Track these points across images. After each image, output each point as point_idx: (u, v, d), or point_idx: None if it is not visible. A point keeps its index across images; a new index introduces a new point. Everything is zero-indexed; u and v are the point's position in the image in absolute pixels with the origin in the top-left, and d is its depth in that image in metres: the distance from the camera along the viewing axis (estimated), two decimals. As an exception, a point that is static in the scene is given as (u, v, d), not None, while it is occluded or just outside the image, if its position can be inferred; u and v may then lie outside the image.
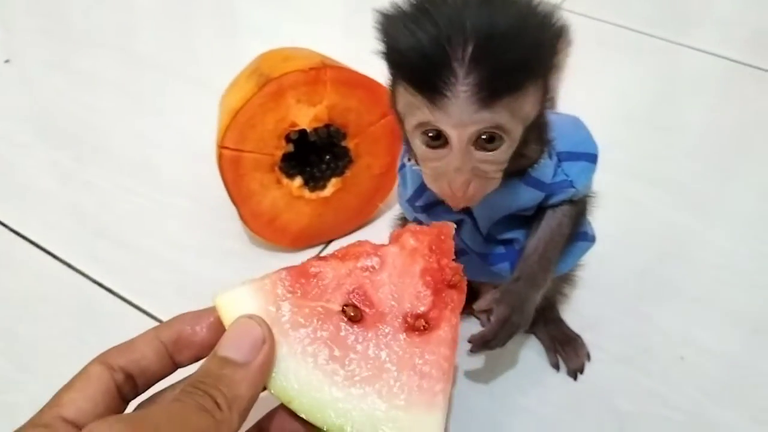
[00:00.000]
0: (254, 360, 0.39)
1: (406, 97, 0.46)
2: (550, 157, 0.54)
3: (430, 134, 0.46)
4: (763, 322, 0.71)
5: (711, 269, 0.77)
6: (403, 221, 0.66)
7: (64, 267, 0.75)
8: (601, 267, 0.71)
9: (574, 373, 0.66)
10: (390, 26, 0.45)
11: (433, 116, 0.44)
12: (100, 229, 0.80)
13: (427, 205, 0.58)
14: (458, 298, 0.45)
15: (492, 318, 0.54)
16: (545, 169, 0.54)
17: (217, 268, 0.76)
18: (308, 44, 0.77)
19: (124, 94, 1.02)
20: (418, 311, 0.43)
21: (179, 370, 0.43)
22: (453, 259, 0.46)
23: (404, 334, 0.42)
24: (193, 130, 0.92)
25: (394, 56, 0.46)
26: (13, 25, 1.19)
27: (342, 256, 0.45)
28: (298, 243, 0.77)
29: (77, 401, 0.38)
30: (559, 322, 0.69)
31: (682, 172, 0.90)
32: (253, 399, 0.38)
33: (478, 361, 0.67)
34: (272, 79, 0.69)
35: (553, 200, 0.56)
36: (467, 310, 0.49)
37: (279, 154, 0.72)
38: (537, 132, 0.52)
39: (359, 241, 0.46)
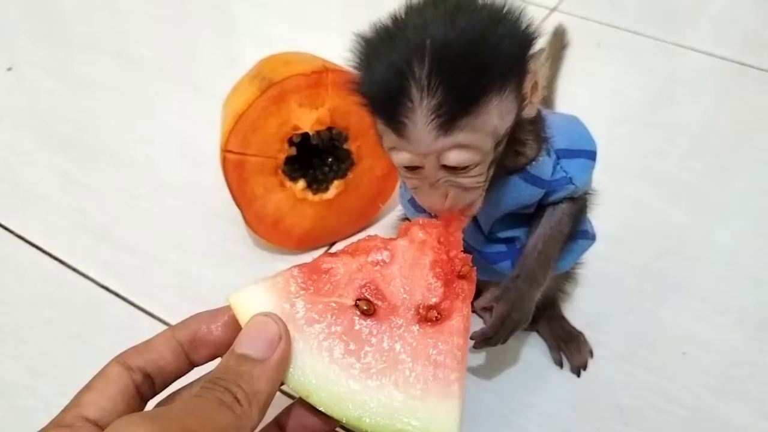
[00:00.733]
0: (272, 356, 0.39)
1: (379, 122, 0.46)
2: (549, 154, 0.55)
3: (403, 165, 0.46)
4: (763, 318, 0.72)
5: (711, 266, 0.78)
6: (406, 221, 0.67)
7: (69, 271, 0.76)
8: (602, 265, 0.72)
9: (578, 370, 0.67)
10: (357, 58, 0.46)
11: (398, 144, 0.45)
12: (104, 232, 0.81)
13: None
14: (469, 288, 0.45)
15: (492, 315, 0.55)
16: (544, 166, 0.54)
17: (221, 271, 0.76)
18: (308, 49, 0.78)
19: (125, 99, 1.03)
20: (430, 302, 0.44)
21: (195, 370, 0.44)
22: (461, 251, 0.46)
23: (417, 325, 0.43)
24: (194, 134, 0.93)
25: (359, 87, 0.46)
26: (15, 32, 1.20)
27: (352, 251, 0.46)
28: (302, 245, 0.78)
29: (98, 401, 0.38)
30: (562, 320, 0.70)
31: (680, 170, 0.91)
32: (271, 394, 0.39)
33: (481, 358, 0.68)
34: (274, 83, 0.69)
35: (554, 197, 0.56)
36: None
37: (282, 157, 0.72)
38: (534, 130, 0.52)
39: (369, 236, 0.47)
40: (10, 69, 1.08)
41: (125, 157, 0.92)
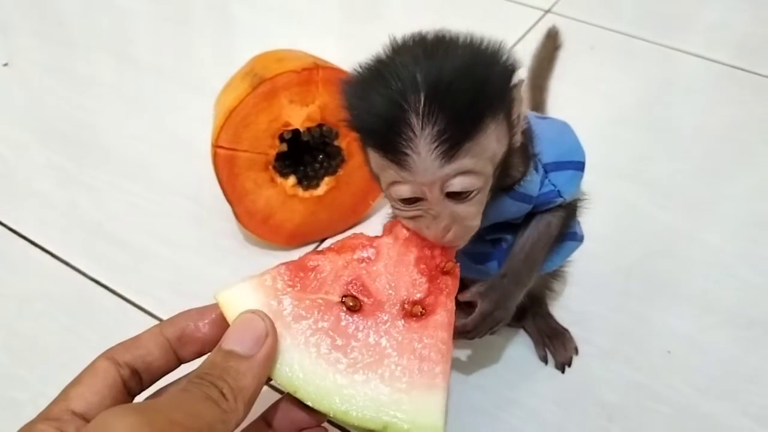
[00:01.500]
0: (258, 353, 0.40)
1: (375, 159, 0.46)
2: (536, 170, 0.55)
3: (404, 198, 0.46)
4: (748, 318, 0.72)
5: (699, 266, 0.79)
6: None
7: (62, 265, 0.76)
8: (589, 264, 0.72)
9: (562, 366, 0.67)
10: (348, 95, 0.46)
11: (401, 176, 0.45)
12: (96, 227, 0.81)
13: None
14: (452, 283, 0.47)
15: (475, 310, 0.56)
16: (531, 184, 0.54)
17: (212, 266, 0.77)
18: (302, 47, 0.79)
19: (120, 96, 1.03)
20: (415, 298, 0.45)
21: (182, 366, 0.44)
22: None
23: (402, 320, 0.44)
24: (189, 131, 0.93)
25: (355, 123, 0.46)
26: (11, 28, 1.20)
27: (338, 249, 0.47)
28: (293, 241, 0.79)
29: (85, 395, 0.39)
30: (548, 317, 0.71)
31: (671, 173, 0.91)
32: (257, 390, 0.40)
33: (467, 354, 0.68)
34: (266, 80, 0.70)
35: (542, 209, 0.57)
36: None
37: (273, 153, 0.73)
38: (521, 152, 0.52)
39: (354, 234, 0.48)
40: (6, 65, 1.08)
41: (119, 153, 0.92)
